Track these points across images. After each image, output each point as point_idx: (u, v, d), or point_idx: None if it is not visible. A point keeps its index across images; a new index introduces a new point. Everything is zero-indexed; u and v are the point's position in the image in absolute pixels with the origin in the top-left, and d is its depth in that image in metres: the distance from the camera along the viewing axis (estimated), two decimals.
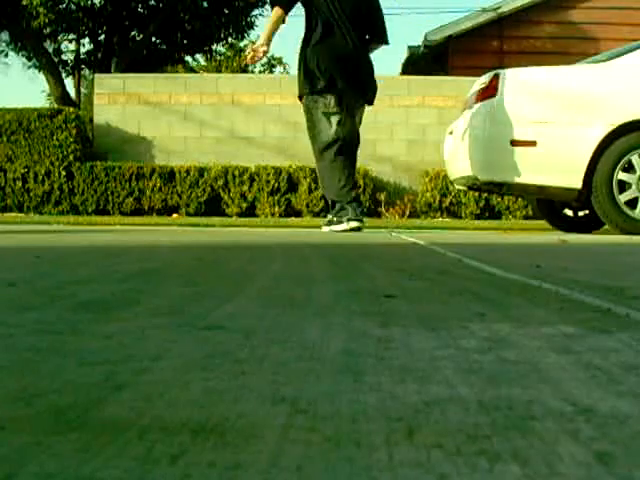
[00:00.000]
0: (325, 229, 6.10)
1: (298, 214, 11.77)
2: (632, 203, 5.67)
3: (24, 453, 0.59)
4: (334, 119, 5.88)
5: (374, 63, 6.11)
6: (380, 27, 6.01)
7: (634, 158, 5.65)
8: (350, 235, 5.35)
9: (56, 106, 15.73)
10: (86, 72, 21.72)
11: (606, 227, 6.25)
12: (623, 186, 5.67)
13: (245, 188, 11.84)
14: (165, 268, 2.52)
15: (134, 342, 1.08)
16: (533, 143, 5.74)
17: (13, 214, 11.62)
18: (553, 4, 14.96)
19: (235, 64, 29.72)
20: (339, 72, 5.79)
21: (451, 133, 6.77)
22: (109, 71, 16.78)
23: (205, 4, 17.64)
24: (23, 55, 19.28)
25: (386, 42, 6.12)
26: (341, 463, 0.58)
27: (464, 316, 1.36)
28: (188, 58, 21.80)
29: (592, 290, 1.76)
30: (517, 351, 1.03)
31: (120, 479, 0.54)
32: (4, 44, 19.16)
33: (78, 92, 21.78)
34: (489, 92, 5.91)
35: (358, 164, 11.99)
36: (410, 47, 16.90)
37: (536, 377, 0.87)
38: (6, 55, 19.81)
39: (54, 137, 12.04)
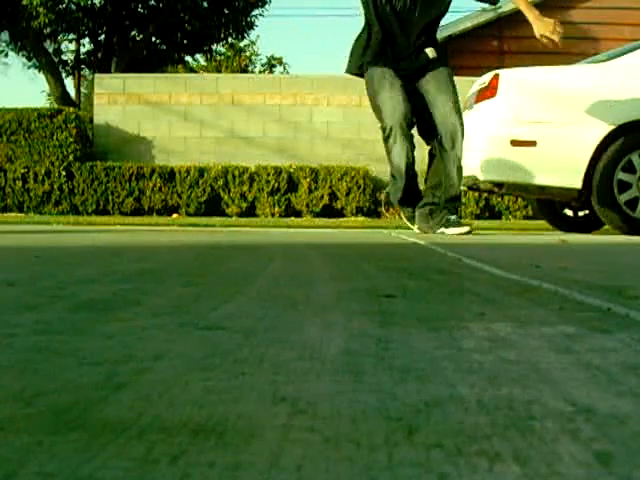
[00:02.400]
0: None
1: (298, 214, 11.77)
2: (632, 203, 5.67)
3: (24, 453, 0.59)
4: None
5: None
6: None
7: (634, 158, 5.65)
8: (350, 235, 5.35)
9: (56, 106, 15.73)
10: (86, 72, 21.72)
11: (606, 227, 6.25)
12: (623, 186, 5.67)
13: (245, 188, 11.85)
14: (165, 268, 2.52)
15: (134, 342, 1.08)
16: (533, 143, 5.74)
17: (13, 214, 11.62)
18: (553, 4, 14.95)
19: (235, 64, 29.69)
20: None
21: None
22: (109, 71, 16.78)
23: (205, 4, 17.63)
24: (23, 55, 19.27)
25: None
26: (341, 463, 0.58)
27: (464, 316, 1.36)
28: (188, 58, 21.81)
29: (592, 290, 1.76)
30: (517, 351, 1.03)
31: (120, 479, 0.54)
32: (4, 44, 19.17)
33: (78, 92, 21.79)
34: (489, 92, 5.91)
35: (358, 164, 12.08)
36: None
37: (536, 377, 0.87)
38: (6, 55, 19.81)
39: (54, 137, 12.04)
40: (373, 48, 5.53)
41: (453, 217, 5.53)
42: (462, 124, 5.47)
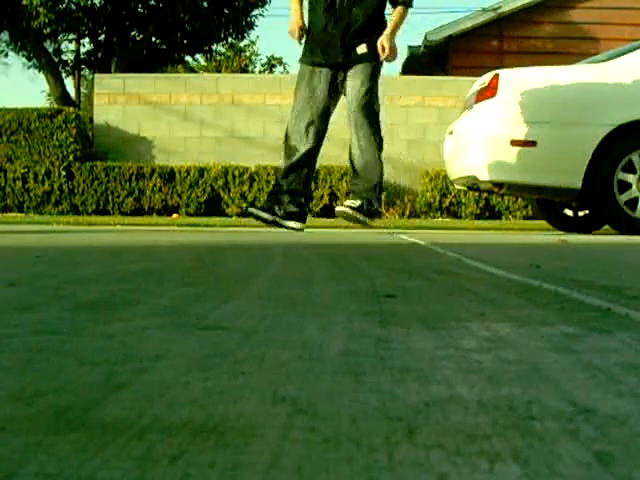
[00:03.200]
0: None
1: None
2: (632, 203, 5.67)
3: (24, 453, 0.59)
4: None
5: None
6: None
7: (634, 158, 5.65)
8: (350, 235, 5.36)
9: (56, 106, 15.73)
10: (86, 72, 21.72)
11: (606, 227, 6.25)
12: (623, 186, 5.67)
13: (245, 188, 11.84)
14: (165, 268, 2.52)
15: (134, 342, 1.08)
16: (533, 143, 5.74)
17: (13, 214, 11.62)
18: (553, 4, 14.96)
19: (235, 64, 29.69)
20: None
21: (451, 133, 6.77)
22: (109, 71, 16.77)
23: (205, 4, 17.63)
24: (23, 55, 19.27)
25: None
26: (341, 463, 0.57)
27: (464, 316, 1.36)
28: (188, 58, 21.81)
29: (592, 290, 1.76)
30: (517, 351, 1.03)
31: (120, 479, 0.54)
32: (4, 44, 19.17)
33: (78, 92, 21.78)
34: (489, 92, 5.90)
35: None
36: (410, 47, 16.89)
37: (536, 377, 0.87)
38: (6, 55, 19.81)
39: (54, 137, 12.04)
40: (309, 42, 5.73)
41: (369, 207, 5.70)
42: (368, 116, 5.59)
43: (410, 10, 5.86)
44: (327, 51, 5.70)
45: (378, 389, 0.81)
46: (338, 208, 5.92)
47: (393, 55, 5.72)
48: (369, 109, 5.63)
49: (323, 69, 5.73)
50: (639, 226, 5.62)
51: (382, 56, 5.67)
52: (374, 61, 5.67)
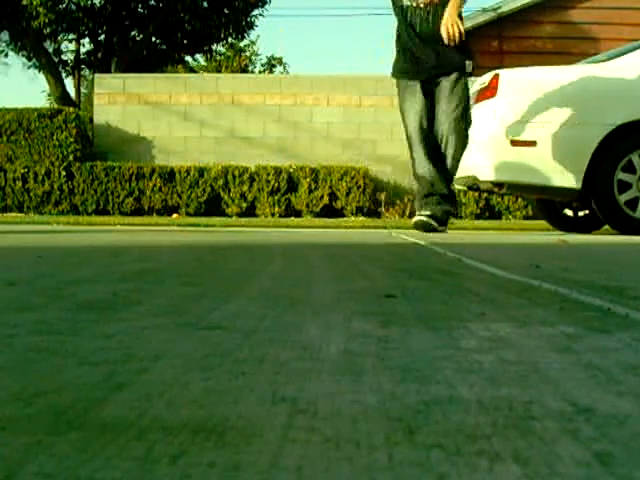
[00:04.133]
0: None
1: (298, 214, 11.77)
2: (632, 203, 5.67)
3: (24, 453, 0.59)
4: None
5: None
6: None
7: (634, 158, 5.65)
8: (350, 235, 5.36)
9: (56, 106, 15.73)
10: (86, 72, 21.72)
11: (606, 227, 6.25)
12: (623, 186, 5.67)
13: (245, 188, 11.85)
14: (165, 268, 2.52)
15: (134, 342, 1.08)
16: (533, 143, 5.74)
17: (13, 214, 11.62)
18: (553, 4, 14.96)
19: (235, 64, 29.68)
20: None
21: None
22: (109, 71, 16.78)
23: (205, 4, 17.63)
24: (23, 55, 19.27)
25: None
26: (341, 463, 0.57)
27: (464, 316, 1.36)
28: (188, 58, 21.82)
29: (592, 290, 1.76)
30: (517, 351, 1.03)
31: (120, 479, 0.54)
32: (4, 44, 19.16)
33: (78, 92, 21.78)
34: (489, 92, 5.91)
35: (358, 164, 12.09)
36: None
37: (536, 377, 0.87)
38: (6, 55, 19.81)
39: (54, 137, 12.05)
40: (402, 58, 5.98)
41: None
42: (457, 130, 5.76)
43: None
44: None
45: (378, 389, 0.81)
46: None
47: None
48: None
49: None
50: (639, 226, 5.62)
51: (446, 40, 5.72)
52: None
